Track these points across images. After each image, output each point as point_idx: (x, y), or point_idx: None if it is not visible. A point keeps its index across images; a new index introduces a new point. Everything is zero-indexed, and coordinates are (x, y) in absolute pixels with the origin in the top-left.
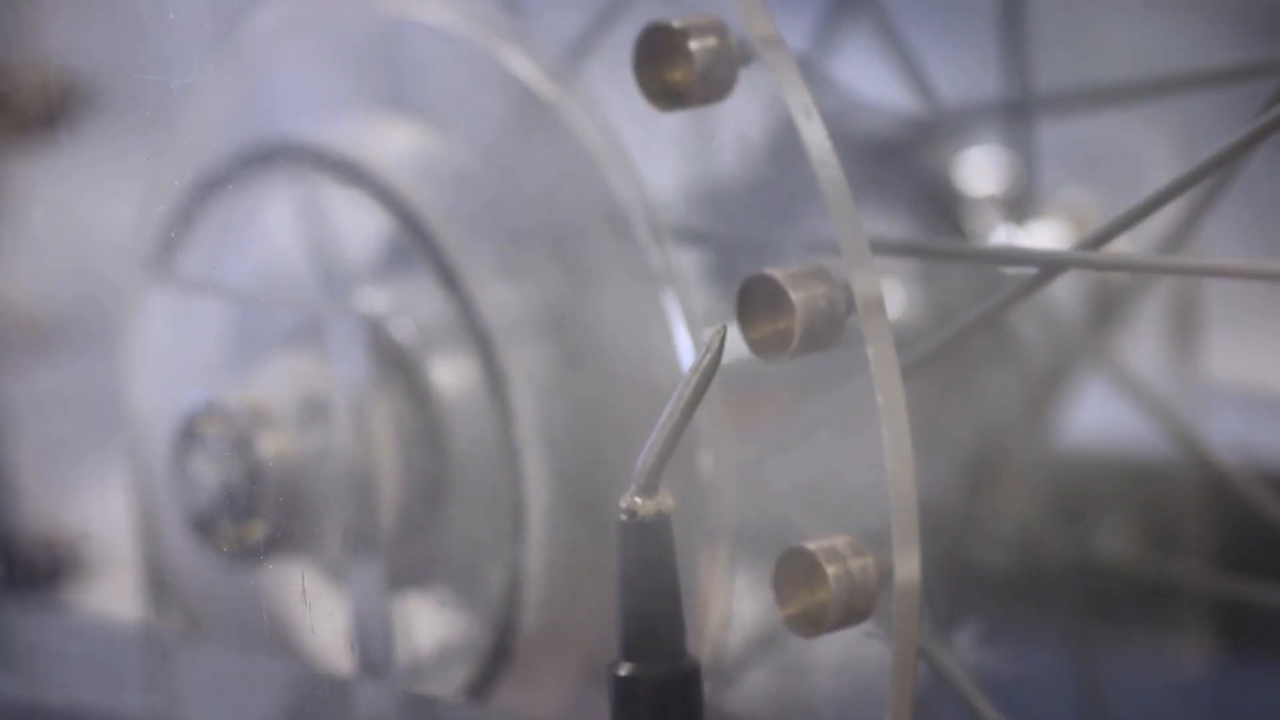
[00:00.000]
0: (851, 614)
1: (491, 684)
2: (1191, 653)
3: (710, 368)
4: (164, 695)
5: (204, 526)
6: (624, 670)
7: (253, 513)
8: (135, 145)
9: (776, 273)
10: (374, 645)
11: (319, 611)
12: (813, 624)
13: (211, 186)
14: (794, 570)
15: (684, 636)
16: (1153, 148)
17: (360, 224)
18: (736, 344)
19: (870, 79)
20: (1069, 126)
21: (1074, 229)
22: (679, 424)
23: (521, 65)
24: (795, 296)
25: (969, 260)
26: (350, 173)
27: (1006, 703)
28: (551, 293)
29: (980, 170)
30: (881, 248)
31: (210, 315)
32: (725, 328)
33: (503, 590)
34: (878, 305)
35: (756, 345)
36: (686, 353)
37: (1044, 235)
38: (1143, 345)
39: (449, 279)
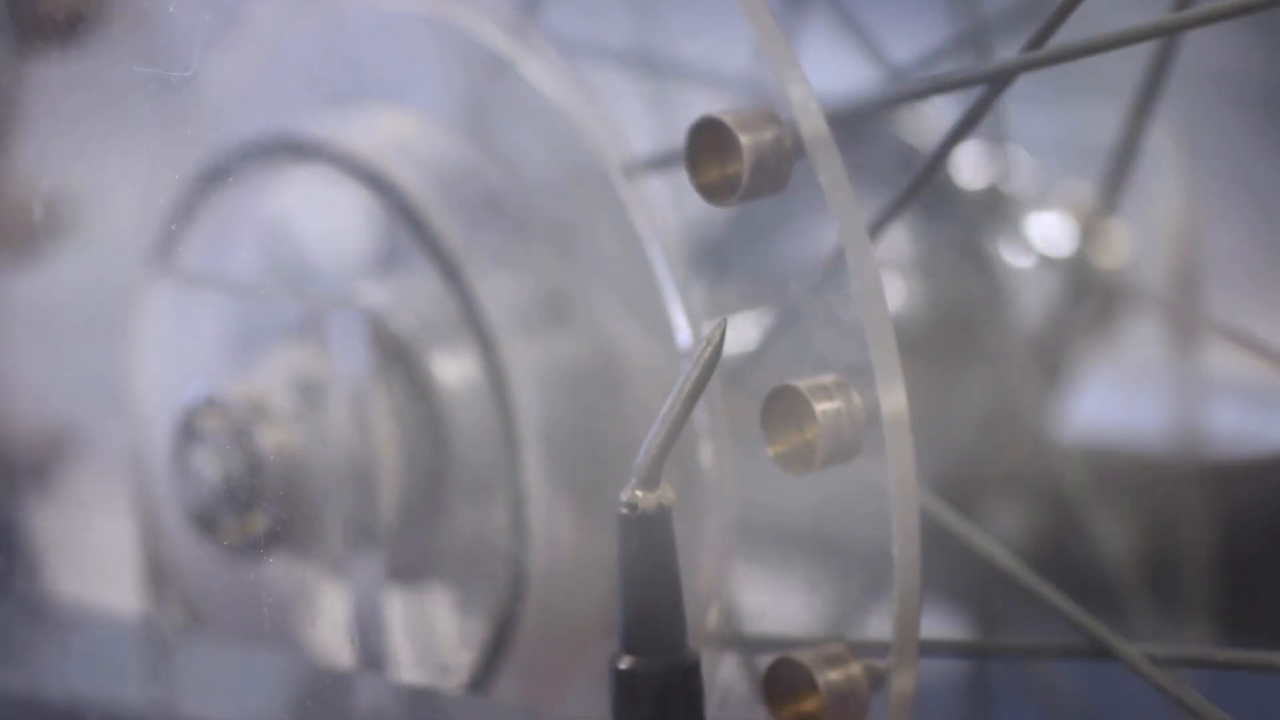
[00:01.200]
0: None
1: (491, 677)
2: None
3: (711, 361)
4: (163, 688)
5: (204, 520)
6: (624, 663)
7: (253, 506)
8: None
9: (725, 116)
10: (374, 638)
11: (319, 604)
12: (802, 461)
13: (212, 179)
14: (783, 409)
15: (685, 630)
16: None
17: (359, 217)
18: (738, 338)
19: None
20: (1066, 119)
21: (1073, 221)
22: (680, 417)
23: (495, 39)
24: (744, 139)
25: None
26: (348, 165)
27: None
28: (551, 283)
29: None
30: None
31: (211, 309)
32: (725, 321)
33: (503, 583)
34: (824, 142)
35: (705, 190)
36: (686, 345)
37: (1042, 228)
38: (1143, 335)
39: (448, 272)
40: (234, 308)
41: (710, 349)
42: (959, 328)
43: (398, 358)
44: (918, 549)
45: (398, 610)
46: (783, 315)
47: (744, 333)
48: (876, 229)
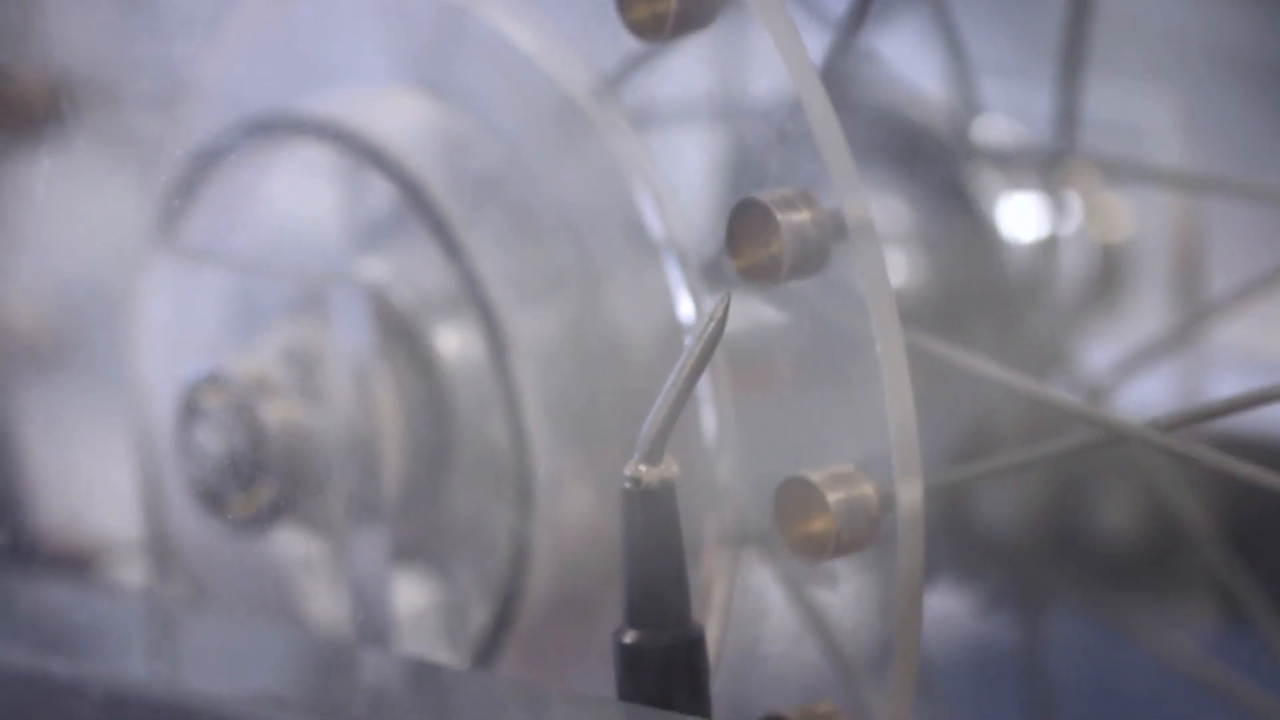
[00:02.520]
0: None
1: (496, 652)
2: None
3: (714, 336)
4: (167, 663)
5: (208, 495)
6: (629, 637)
7: (256, 481)
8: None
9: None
10: (377, 613)
11: (323, 579)
12: (768, 275)
13: (213, 156)
14: (747, 223)
15: (689, 604)
16: (1154, 118)
17: (362, 193)
18: (739, 312)
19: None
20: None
21: (1081, 196)
22: (683, 392)
23: (517, 31)
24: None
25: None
26: (352, 142)
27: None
28: (554, 260)
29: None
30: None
31: (213, 286)
32: (729, 295)
33: (507, 558)
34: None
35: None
36: (689, 320)
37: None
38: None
39: (451, 248)
40: (235, 284)
41: (714, 324)
42: (963, 301)
43: (399, 332)
44: (905, 373)
45: (401, 585)
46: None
47: (747, 307)
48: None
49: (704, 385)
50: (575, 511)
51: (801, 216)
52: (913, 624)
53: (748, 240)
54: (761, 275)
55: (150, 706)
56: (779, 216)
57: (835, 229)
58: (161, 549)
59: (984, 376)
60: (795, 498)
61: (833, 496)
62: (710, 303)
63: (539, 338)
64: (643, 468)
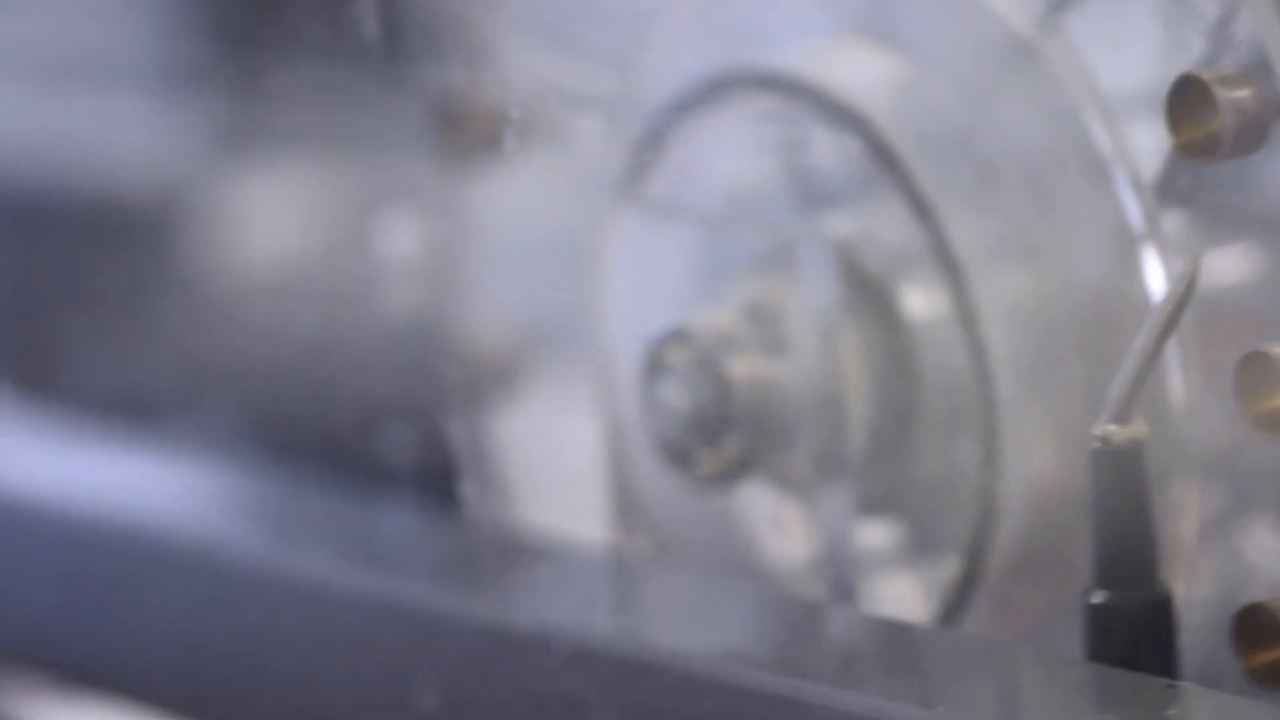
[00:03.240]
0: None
1: (963, 610)
2: None
3: (1184, 296)
4: (633, 618)
5: (673, 452)
6: (1097, 598)
7: (722, 437)
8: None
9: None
10: (843, 570)
11: (789, 536)
12: (1207, 152)
13: (681, 110)
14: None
15: (1157, 565)
16: None
17: (831, 150)
18: (1208, 275)
19: None
20: None
21: None
22: (1153, 352)
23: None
24: (1222, 95)
25: None
26: (821, 100)
27: None
28: (1016, 212)
29: None
30: None
31: (677, 241)
32: (1199, 256)
33: (974, 517)
34: None
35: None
36: (1158, 280)
37: None
38: None
39: (920, 207)
40: (699, 240)
41: (1185, 284)
42: None
43: (867, 291)
44: None
45: (870, 542)
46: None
47: (1216, 269)
48: None
49: (1171, 346)
50: (1042, 470)
51: (1242, 93)
52: None
53: (1187, 117)
54: (1201, 153)
55: (615, 661)
56: (1219, 92)
57: (1277, 107)
58: (627, 505)
59: None
60: (1259, 371)
61: None
62: (1180, 264)
63: (1005, 294)
64: (1112, 427)
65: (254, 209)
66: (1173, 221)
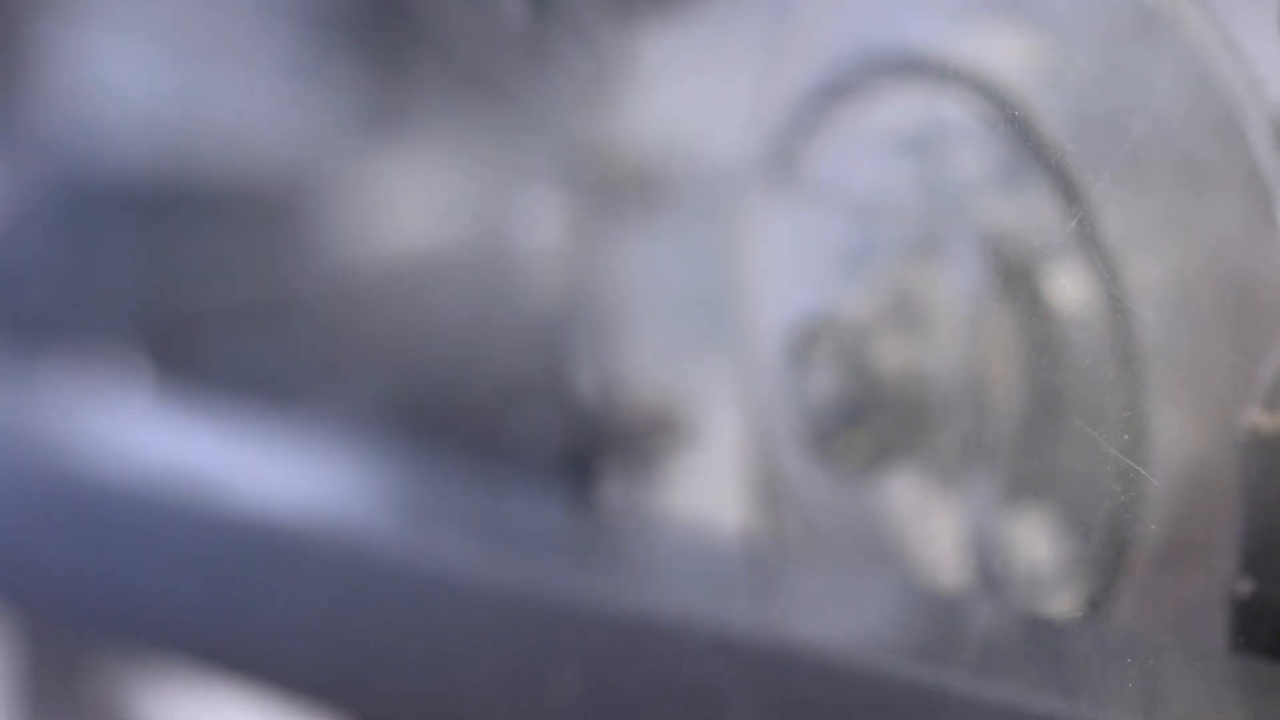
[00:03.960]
0: None
1: (1110, 599)
2: None
3: None
4: (774, 609)
5: (818, 438)
6: (1244, 590)
7: (868, 426)
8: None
9: None
10: (990, 560)
11: (935, 525)
12: None
13: (831, 93)
14: None
15: None
16: None
17: (979, 135)
18: None
19: None
20: None
21: None
22: None
23: None
24: None
25: None
26: (970, 83)
27: None
28: (1169, 205)
29: None
30: None
31: (827, 224)
32: None
33: (1122, 505)
34: None
35: None
36: None
37: None
38: None
39: (1069, 192)
40: (848, 226)
41: None
42: None
43: (1016, 277)
44: None
45: (1014, 531)
46: None
47: None
48: None
49: None
50: (1191, 459)
51: None
52: None
53: None
54: None
55: (756, 652)
56: None
57: None
58: (772, 494)
59: None
60: None
61: None
62: None
63: (1153, 279)
64: (1261, 418)
65: (395, 192)
66: None
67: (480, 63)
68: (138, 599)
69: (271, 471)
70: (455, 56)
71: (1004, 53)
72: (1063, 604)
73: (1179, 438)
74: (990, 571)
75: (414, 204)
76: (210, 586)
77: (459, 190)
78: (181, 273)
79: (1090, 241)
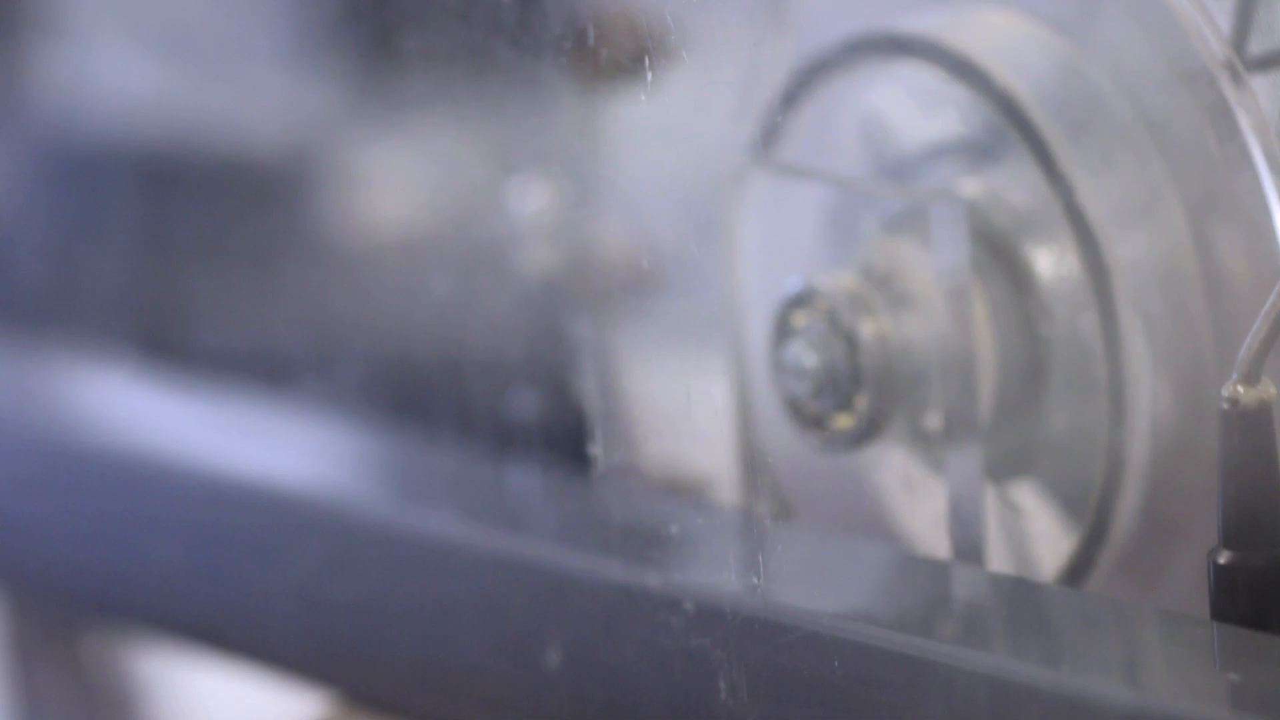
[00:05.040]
0: None
1: (1089, 568)
2: None
3: None
4: (760, 577)
5: (802, 411)
6: (1224, 558)
7: (851, 398)
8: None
9: None
10: (970, 530)
11: (916, 495)
12: None
13: (813, 74)
14: None
15: None
16: None
17: (961, 112)
18: None
19: None
20: None
21: None
22: None
23: None
24: None
25: None
26: (950, 61)
27: None
28: (1150, 181)
29: None
30: None
31: (809, 201)
32: None
33: (1102, 477)
34: None
35: None
36: None
37: None
38: None
39: (1049, 167)
40: (833, 200)
41: None
42: None
43: (997, 251)
44: None
45: (994, 501)
46: None
47: None
48: None
49: None
50: (1171, 431)
51: None
52: None
53: None
54: None
55: (743, 621)
56: None
57: None
58: (755, 464)
59: None
60: None
61: None
62: None
63: (1136, 256)
64: (1240, 389)
65: (385, 168)
66: None
67: (471, 42)
68: (128, 569)
69: (261, 444)
70: (447, 34)
71: (989, 32)
72: (1041, 574)
73: (1160, 410)
74: (973, 541)
75: (405, 181)
76: (199, 559)
77: (450, 168)
78: (172, 249)
79: (1071, 216)
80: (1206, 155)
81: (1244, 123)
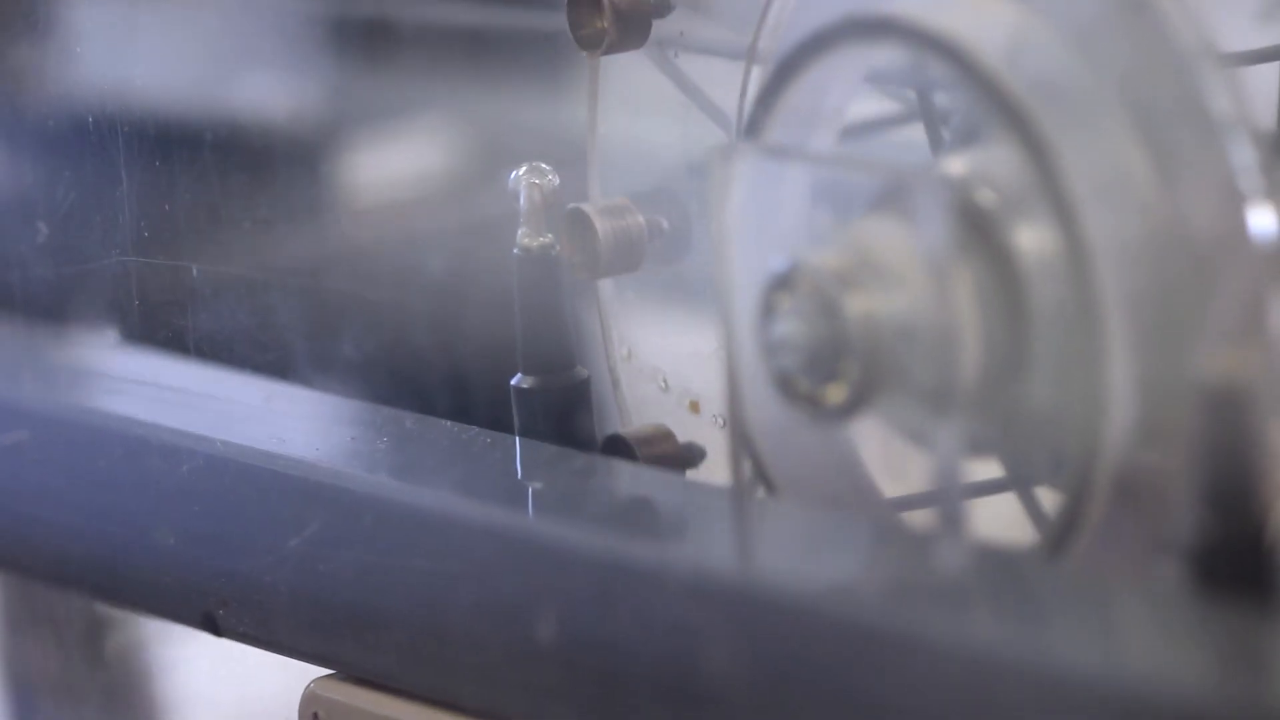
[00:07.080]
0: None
1: (1067, 544)
2: None
3: None
4: (747, 551)
5: (789, 387)
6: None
7: (836, 374)
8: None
9: None
10: (952, 505)
11: (902, 471)
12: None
13: (801, 54)
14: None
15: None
16: None
17: (944, 90)
18: None
19: None
20: None
21: None
22: None
23: None
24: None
25: None
26: (933, 43)
27: None
28: (1130, 162)
29: None
30: None
31: (796, 180)
32: None
33: (1079, 456)
34: None
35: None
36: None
37: None
38: None
39: (1032, 147)
40: (819, 179)
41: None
42: None
43: (979, 229)
44: None
45: (975, 477)
46: None
47: None
48: None
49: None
50: (1149, 414)
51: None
52: None
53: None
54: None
55: (730, 595)
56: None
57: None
58: (743, 440)
59: None
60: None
61: None
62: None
63: (1115, 234)
64: (1210, 363)
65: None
66: None
67: (468, 28)
68: (118, 541)
69: (258, 419)
70: (445, 19)
71: (968, 13)
72: (1025, 548)
73: (1138, 393)
74: (955, 517)
75: (403, 166)
76: (196, 533)
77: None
78: (170, 231)
79: (1052, 194)
80: (1176, 118)
81: (1225, 101)
